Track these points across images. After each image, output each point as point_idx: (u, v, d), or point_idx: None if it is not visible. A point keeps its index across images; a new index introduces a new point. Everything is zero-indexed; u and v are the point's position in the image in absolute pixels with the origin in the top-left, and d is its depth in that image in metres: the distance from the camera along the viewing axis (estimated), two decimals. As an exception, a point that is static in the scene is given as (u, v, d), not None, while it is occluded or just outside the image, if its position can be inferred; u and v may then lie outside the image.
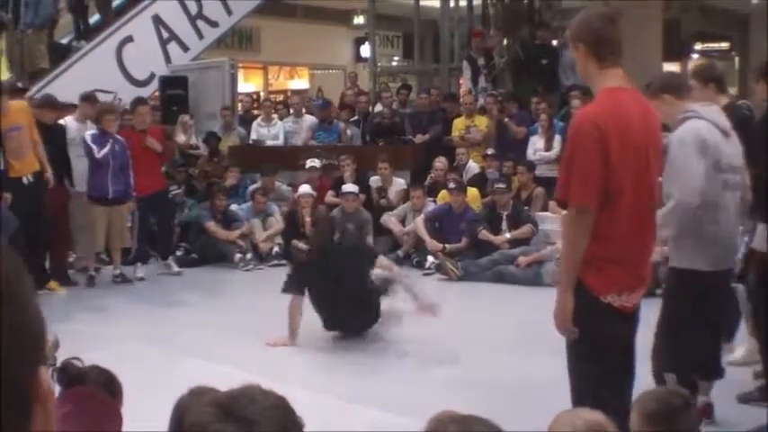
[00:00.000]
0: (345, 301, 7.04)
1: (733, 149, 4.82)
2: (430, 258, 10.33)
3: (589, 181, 3.54)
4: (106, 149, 9.58)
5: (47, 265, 9.46)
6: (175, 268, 10.49)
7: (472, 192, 11.06)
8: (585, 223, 3.58)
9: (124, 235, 9.95)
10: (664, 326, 4.80)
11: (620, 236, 3.62)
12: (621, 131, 3.57)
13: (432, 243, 10.36)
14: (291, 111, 14.15)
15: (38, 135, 9.08)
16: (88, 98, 10.40)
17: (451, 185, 10.69)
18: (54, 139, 9.61)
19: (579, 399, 3.68)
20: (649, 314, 4.30)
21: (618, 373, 3.75)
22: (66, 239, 9.96)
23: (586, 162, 3.55)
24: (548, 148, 11.56)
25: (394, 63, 24.22)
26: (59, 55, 13.38)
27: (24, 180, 8.89)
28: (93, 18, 14.31)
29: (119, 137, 9.87)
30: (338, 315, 7.18)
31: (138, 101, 10.88)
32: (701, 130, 4.66)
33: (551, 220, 10.42)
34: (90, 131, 9.77)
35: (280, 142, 13.10)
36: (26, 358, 0.76)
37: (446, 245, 10.35)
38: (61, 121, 10.01)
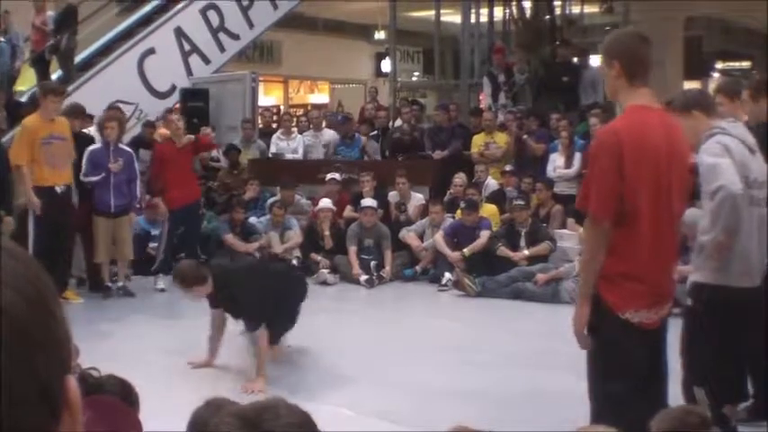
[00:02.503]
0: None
1: (760, 165, 4.77)
2: (447, 274, 10.32)
3: (603, 193, 3.65)
4: (96, 177, 9.46)
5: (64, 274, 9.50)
6: None
7: (491, 208, 11.07)
8: (600, 233, 3.69)
9: (126, 247, 9.77)
10: (685, 343, 4.67)
11: (639, 252, 3.67)
12: (639, 148, 3.64)
13: (453, 256, 10.34)
14: (311, 125, 14.20)
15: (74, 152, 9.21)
16: (112, 109, 10.51)
17: (462, 204, 10.68)
18: (81, 148, 9.66)
19: (598, 416, 3.69)
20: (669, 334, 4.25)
21: (638, 392, 3.73)
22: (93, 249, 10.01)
23: (602, 175, 3.67)
24: (568, 165, 11.53)
25: (414, 78, 24.27)
26: (20, 115, 11.05)
27: (57, 189, 9.02)
28: (56, 74, 13.41)
29: (125, 148, 9.81)
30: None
31: (166, 110, 10.87)
32: (728, 144, 4.60)
33: (569, 238, 10.40)
34: (92, 146, 9.67)
35: (299, 156, 13.14)
36: (55, 365, 0.77)
37: (464, 250, 10.33)
38: (85, 131, 10.08)
